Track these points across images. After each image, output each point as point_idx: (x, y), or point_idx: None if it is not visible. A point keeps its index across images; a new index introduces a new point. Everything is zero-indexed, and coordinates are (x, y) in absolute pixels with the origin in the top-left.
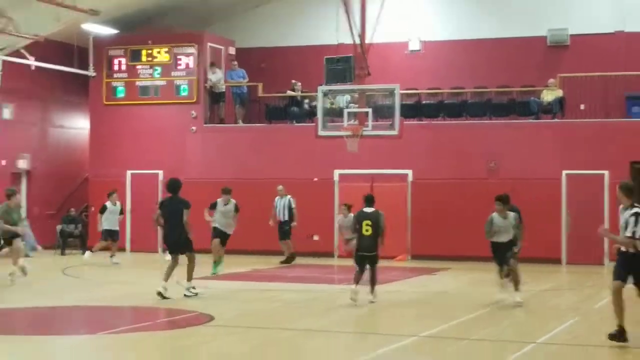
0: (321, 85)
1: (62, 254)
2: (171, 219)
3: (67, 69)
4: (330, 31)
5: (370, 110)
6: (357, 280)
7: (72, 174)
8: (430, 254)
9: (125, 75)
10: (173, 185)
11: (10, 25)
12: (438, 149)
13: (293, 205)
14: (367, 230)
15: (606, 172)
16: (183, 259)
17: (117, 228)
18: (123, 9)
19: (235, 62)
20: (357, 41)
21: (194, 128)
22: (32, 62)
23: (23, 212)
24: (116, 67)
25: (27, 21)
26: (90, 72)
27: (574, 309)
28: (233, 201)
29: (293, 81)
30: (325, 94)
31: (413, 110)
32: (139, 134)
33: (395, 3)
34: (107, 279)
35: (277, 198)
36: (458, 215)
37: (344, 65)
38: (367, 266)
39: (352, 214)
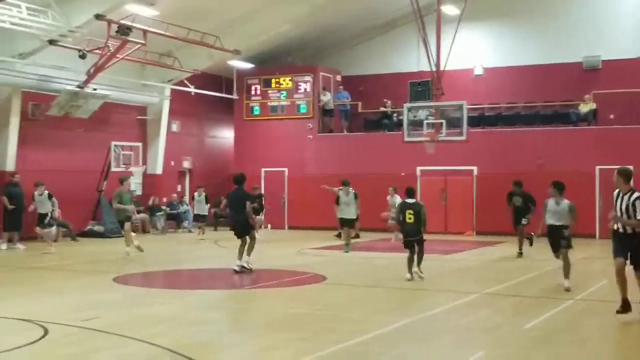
0: (406, 102)
1: (215, 229)
2: (234, 207)
3: (217, 94)
4: (413, 61)
5: (444, 121)
6: (410, 267)
7: (220, 171)
8: (491, 230)
9: (259, 98)
10: (238, 179)
11: (176, 62)
12: (497, 151)
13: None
14: (410, 219)
15: (631, 167)
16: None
17: (205, 213)
18: (258, 48)
19: (341, 86)
20: (434, 68)
21: (310, 136)
22: (192, 89)
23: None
24: (253, 92)
25: (188, 59)
26: (234, 96)
27: (604, 273)
28: (352, 190)
29: (385, 100)
30: (409, 109)
31: (477, 120)
32: (270, 141)
33: (463, 39)
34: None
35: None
36: None
37: (424, 87)
38: (416, 247)
39: (397, 196)
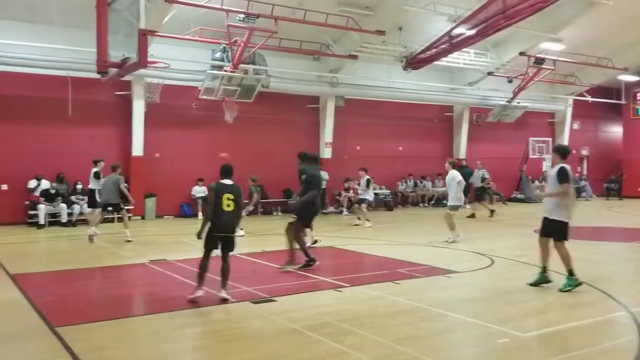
0: None
1: (607, 199)
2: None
3: (608, 101)
4: None
5: None
6: (200, 280)
7: (611, 156)
8: None
9: None
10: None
11: (577, 80)
12: None
13: (487, 175)
14: (228, 206)
15: None
16: None
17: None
18: None
19: None
20: None
21: None
22: (589, 99)
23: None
24: (638, 98)
25: (586, 77)
26: (622, 102)
27: None
28: None
29: None
30: None
31: None
32: None
33: None
34: None
35: (476, 170)
36: None
37: None
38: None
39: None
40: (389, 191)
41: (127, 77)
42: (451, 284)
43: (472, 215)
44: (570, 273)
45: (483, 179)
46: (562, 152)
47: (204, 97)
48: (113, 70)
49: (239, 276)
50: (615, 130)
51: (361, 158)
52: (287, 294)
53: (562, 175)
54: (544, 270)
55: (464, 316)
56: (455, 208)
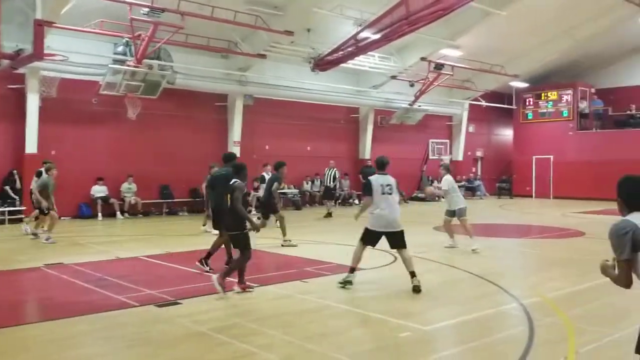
0: None
1: (499, 198)
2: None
3: (500, 106)
4: None
5: None
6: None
7: (502, 158)
8: None
9: (532, 107)
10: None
11: (473, 85)
12: None
13: (337, 175)
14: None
15: None
16: None
17: None
18: (531, 72)
19: (595, 96)
20: None
21: (570, 133)
22: (483, 103)
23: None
24: (527, 103)
25: (481, 83)
26: (513, 107)
27: None
28: None
29: (630, 105)
30: None
31: None
32: (539, 137)
33: None
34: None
35: (326, 169)
36: None
37: None
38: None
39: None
40: (297, 190)
41: (20, 70)
42: (356, 281)
43: (329, 214)
44: (351, 270)
45: (334, 179)
46: (377, 163)
47: (105, 92)
48: (5, 62)
49: (141, 279)
50: (507, 134)
51: (270, 157)
52: (193, 296)
53: (363, 187)
54: (352, 270)
55: (369, 312)
56: (463, 212)
